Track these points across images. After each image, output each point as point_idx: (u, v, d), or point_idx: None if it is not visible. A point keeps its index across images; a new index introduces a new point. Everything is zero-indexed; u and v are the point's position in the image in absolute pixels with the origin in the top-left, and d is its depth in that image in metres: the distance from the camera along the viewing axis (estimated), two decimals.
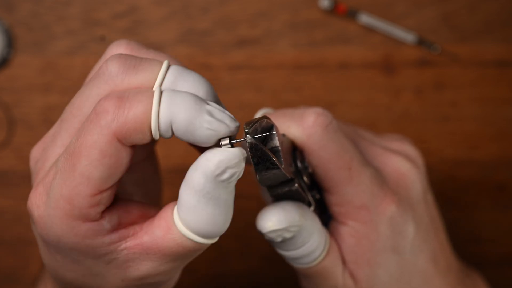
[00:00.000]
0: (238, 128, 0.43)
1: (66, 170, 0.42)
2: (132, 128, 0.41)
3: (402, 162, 0.54)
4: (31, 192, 0.45)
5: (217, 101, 0.45)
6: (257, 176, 0.46)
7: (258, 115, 0.54)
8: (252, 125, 0.45)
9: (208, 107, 0.42)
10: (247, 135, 0.44)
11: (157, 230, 0.44)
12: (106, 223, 0.44)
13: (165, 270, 0.45)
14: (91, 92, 0.44)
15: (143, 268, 0.45)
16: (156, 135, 0.42)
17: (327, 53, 0.79)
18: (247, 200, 0.75)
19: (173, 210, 0.44)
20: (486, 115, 0.80)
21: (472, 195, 0.80)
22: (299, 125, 0.51)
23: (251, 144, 0.44)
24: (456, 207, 0.80)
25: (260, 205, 0.54)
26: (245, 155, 0.43)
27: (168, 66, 0.44)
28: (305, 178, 0.51)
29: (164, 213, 0.45)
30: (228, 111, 0.44)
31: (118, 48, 0.47)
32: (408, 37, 0.79)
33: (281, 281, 0.77)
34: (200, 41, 0.78)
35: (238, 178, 0.43)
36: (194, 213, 0.43)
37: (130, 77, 0.44)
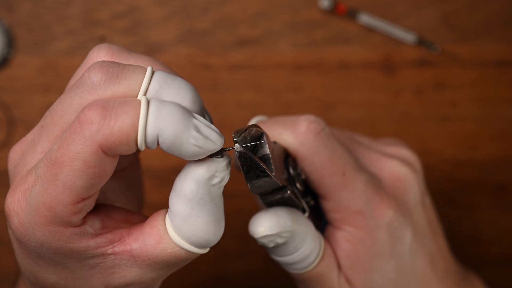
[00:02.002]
0: (223, 143, 0.43)
1: (48, 178, 0.41)
2: (118, 140, 0.41)
3: (400, 167, 0.54)
4: (8, 196, 0.44)
5: (203, 109, 0.45)
6: (248, 184, 0.46)
7: (252, 122, 0.54)
8: (241, 134, 0.45)
9: (195, 121, 0.42)
10: (236, 144, 0.44)
11: (149, 238, 0.44)
12: (88, 227, 0.43)
13: (151, 278, 0.45)
14: (73, 101, 0.43)
15: (129, 275, 0.45)
16: (141, 147, 0.41)
17: (327, 53, 0.79)
18: (247, 201, 0.75)
19: (164, 218, 0.44)
20: (486, 115, 0.80)
21: (472, 195, 0.80)
22: (291, 132, 0.51)
23: (240, 153, 0.44)
24: (456, 207, 0.80)
25: (260, 206, 0.54)
26: (230, 158, 0.43)
27: (152, 72, 0.43)
28: (298, 185, 0.51)
29: (155, 221, 0.44)
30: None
31: (99, 53, 0.46)
32: (408, 37, 0.79)
33: (281, 282, 0.77)
34: (200, 41, 0.78)
35: (225, 183, 0.43)
36: (189, 222, 0.43)
37: (113, 87, 0.43)
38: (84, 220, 0.43)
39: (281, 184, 0.47)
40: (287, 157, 0.51)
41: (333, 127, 0.56)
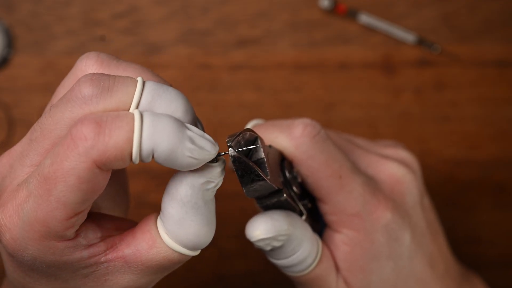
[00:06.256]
0: (217, 151, 0.43)
1: (41, 194, 0.41)
2: (112, 155, 0.40)
3: (397, 168, 0.54)
4: None
5: (195, 117, 0.44)
6: (243, 188, 0.46)
7: (248, 126, 0.54)
8: (235, 139, 0.45)
9: (189, 133, 0.41)
10: (230, 149, 0.44)
11: (142, 243, 0.44)
12: (82, 239, 0.43)
13: (144, 283, 0.45)
14: (63, 115, 0.43)
15: (123, 281, 0.44)
16: (136, 162, 0.41)
17: (327, 53, 0.79)
18: (247, 201, 0.75)
19: (155, 222, 0.44)
20: (486, 115, 0.80)
21: (472, 195, 0.80)
22: (287, 136, 0.51)
23: (234, 157, 0.44)
24: (456, 207, 0.80)
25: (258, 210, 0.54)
26: (225, 164, 0.44)
27: (143, 83, 0.43)
28: (294, 188, 0.51)
29: (147, 226, 0.44)
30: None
31: (88, 62, 0.46)
32: (408, 37, 0.79)
33: (281, 282, 0.77)
34: (200, 41, 0.78)
35: (218, 187, 0.44)
36: (182, 225, 0.43)
37: (105, 100, 0.42)
38: (77, 233, 0.43)
39: (276, 188, 0.48)
40: (283, 161, 0.51)
41: (330, 130, 0.56)
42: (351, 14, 0.79)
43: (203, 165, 0.43)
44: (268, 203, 0.50)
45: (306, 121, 0.51)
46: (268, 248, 0.49)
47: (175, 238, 0.43)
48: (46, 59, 0.77)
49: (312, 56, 0.79)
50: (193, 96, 0.78)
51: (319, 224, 0.54)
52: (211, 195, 0.44)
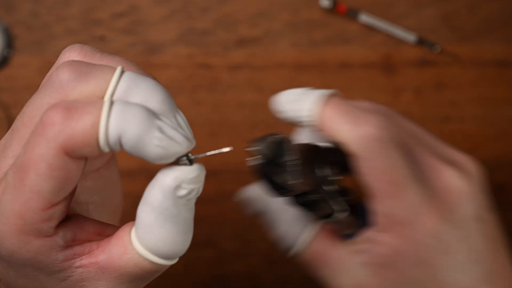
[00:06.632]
0: (190, 146, 0.41)
1: (16, 185, 0.40)
2: (80, 141, 0.39)
3: (456, 178, 0.53)
4: None
5: (174, 109, 0.42)
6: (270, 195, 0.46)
7: (326, 94, 0.52)
8: (258, 147, 0.44)
9: (159, 122, 0.40)
10: (255, 168, 0.45)
11: (114, 249, 0.42)
12: (59, 239, 0.42)
13: None
14: (42, 101, 0.42)
15: None
16: (104, 149, 0.40)
17: (327, 53, 0.79)
18: None
19: (131, 229, 0.43)
20: (486, 115, 0.80)
21: None
22: (352, 131, 0.50)
23: (261, 176, 0.44)
24: None
25: None
26: (204, 171, 0.42)
27: (122, 72, 0.42)
28: (325, 187, 0.51)
29: (122, 231, 0.43)
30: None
31: (71, 53, 0.45)
32: (408, 37, 0.79)
33: (281, 281, 0.77)
34: (200, 41, 0.78)
35: (198, 195, 0.42)
36: (152, 231, 0.41)
37: (81, 85, 0.41)
38: (55, 231, 0.42)
39: (304, 191, 0.48)
40: (315, 158, 0.51)
41: (397, 117, 0.55)
42: (351, 14, 0.79)
43: (176, 168, 0.41)
44: (295, 201, 0.50)
45: (380, 121, 0.50)
46: (249, 210, 0.53)
47: (145, 245, 0.42)
48: (46, 59, 0.77)
49: (312, 56, 0.79)
50: (193, 96, 0.78)
51: (360, 222, 0.54)
52: (187, 204, 0.41)
